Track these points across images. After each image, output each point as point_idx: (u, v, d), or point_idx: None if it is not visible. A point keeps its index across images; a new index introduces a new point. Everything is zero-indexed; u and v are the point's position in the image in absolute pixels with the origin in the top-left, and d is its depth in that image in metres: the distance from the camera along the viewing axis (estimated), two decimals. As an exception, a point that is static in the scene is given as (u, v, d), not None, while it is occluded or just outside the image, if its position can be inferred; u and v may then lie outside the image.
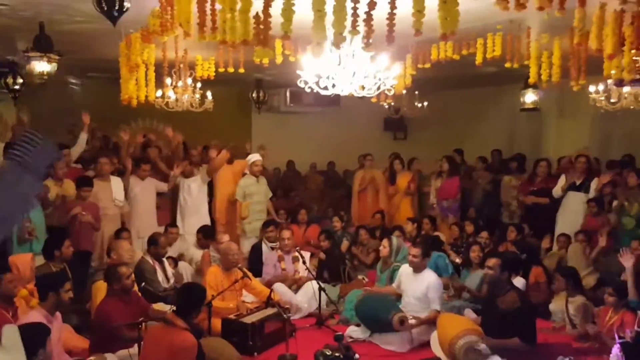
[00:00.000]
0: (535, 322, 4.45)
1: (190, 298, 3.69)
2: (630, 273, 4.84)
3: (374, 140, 10.84)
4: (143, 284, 4.81)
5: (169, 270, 5.57)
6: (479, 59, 5.28)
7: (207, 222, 6.91)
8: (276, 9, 3.39)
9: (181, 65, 5.99)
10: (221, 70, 5.66)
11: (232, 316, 4.82)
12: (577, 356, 4.28)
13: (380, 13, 3.35)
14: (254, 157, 7.22)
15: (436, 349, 4.56)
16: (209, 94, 6.86)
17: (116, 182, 6.31)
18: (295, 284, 5.79)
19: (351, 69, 3.87)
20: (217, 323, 4.71)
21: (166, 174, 6.87)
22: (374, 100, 6.17)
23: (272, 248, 6.41)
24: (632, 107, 6.37)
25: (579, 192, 6.79)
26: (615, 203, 6.39)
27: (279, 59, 5.11)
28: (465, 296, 5.71)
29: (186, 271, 6.03)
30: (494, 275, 4.44)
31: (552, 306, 5.44)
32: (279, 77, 8.44)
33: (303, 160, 10.76)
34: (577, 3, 3.54)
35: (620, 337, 3.13)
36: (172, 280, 5.48)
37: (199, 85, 6.51)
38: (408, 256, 5.27)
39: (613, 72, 4.19)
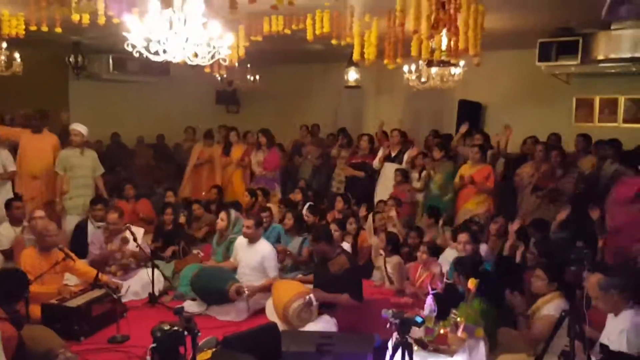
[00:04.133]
0: (361, 281, 4.84)
1: (9, 285, 3.30)
2: None
3: (207, 113, 10.65)
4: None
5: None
6: (309, 35, 5.44)
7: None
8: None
9: (-18, 22, 5.20)
10: (33, 29, 5.02)
11: (53, 301, 4.43)
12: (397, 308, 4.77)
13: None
14: (73, 126, 6.63)
15: (271, 314, 4.73)
16: (17, 55, 6.07)
17: None
18: (122, 268, 5.50)
19: (184, 35, 3.72)
20: (36, 309, 4.28)
21: None
22: (207, 70, 6.04)
23: (99, 227, 5.98)
24: (438, 86, 7.15)
25: (394, 163, 7.47)
26: (424, 173, 7.16)
27: (101, 19, 4.70)
28: (288, 261, 5.90)
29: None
30: (314, 247, 4.74)
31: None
32: (100, 41, 7.78)
33: (129, 133, 10.13)
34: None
35: (433, 289, 3.57)
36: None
37: (4, 45, 5.72)
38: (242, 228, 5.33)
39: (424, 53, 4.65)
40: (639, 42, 6.21)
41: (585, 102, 7.84)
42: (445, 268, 4.92)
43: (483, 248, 5.19)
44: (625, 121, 7.57)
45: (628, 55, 6.33)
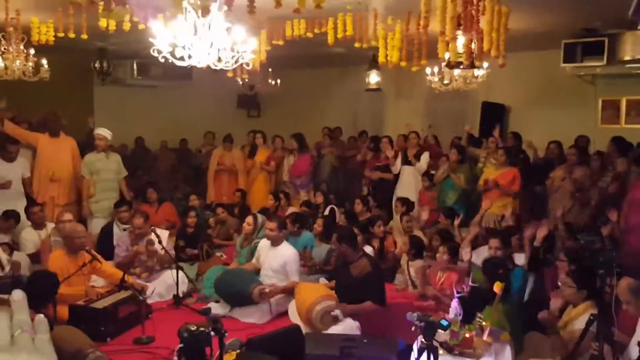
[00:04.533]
0: (384, 284, 4.81)
1: (41, 287, 3.37)
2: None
3: (228, 117, 10.72)
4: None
5: (3, 257, 5.00)
6: (330, 39, 5.44)
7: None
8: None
9: (12, 29, 5.31)
10: (60, 35, 5.13)
11: (80, 302, 4.51)
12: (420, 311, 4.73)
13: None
14: (97, 130, 6.77)
15: (294, 317, 4.73)
16: (44, 62, 6.19)
17: None
18: (147, 270, 5.56)
19: (208, 40, 3.76)
20: (63, 311, 4.36)
21: None
22: (230, 74, 6.09)
23: (125, 230, 6.06)
24: (461, 88, 7.10)
25: (411, 166, 7.42)
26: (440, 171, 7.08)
27: (126, 26, 4.78)
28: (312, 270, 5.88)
29: (24, 258, 5.47)
30: (336, 249, 4.70)
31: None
32: (125, 47, 7.90)
33: (153, 137, 10.26)
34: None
35: (458, 293, 3.54)
36: (7, 268, 4.93)
37: (32, 51, 5.85)
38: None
39: (448, 55, 4.61)
40: (666, 43, 6.11)
41: (611, 104, 7.70)
42: (478, 262, 4.87)
43: (520, 257, 5.12)
44: (652, 123, 7.43)
45: (655, 56, 6.23)
